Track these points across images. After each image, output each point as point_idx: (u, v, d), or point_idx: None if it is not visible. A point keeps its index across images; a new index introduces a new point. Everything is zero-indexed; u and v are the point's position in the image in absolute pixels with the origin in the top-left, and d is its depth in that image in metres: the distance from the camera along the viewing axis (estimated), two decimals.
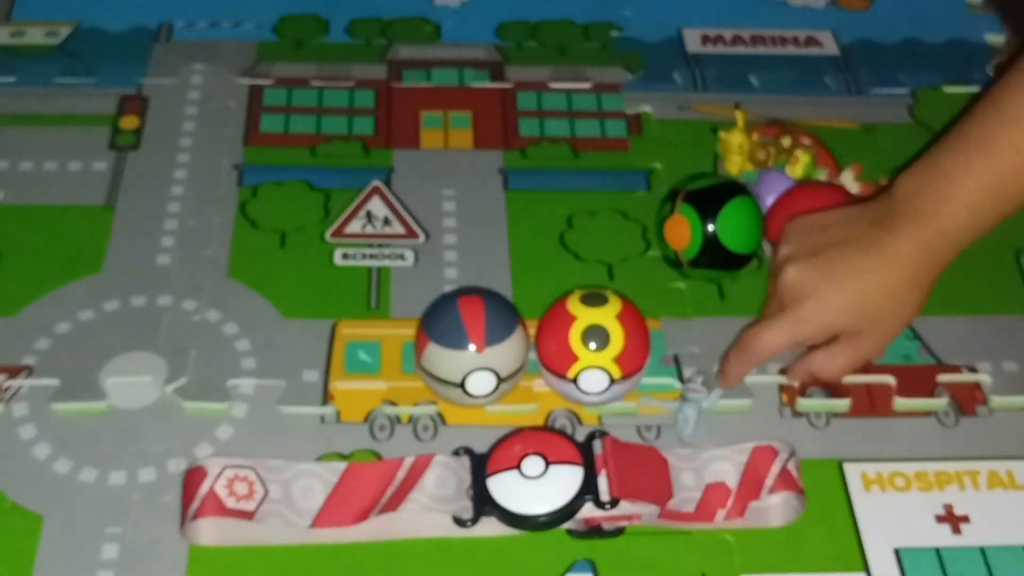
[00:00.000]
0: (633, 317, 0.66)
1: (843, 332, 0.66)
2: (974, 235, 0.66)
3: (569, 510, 0.61)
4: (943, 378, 0.70)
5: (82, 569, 0.59)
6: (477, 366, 0.64)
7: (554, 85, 0.88)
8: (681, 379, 0.69)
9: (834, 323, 0.66)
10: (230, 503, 0.61)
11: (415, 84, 0.88)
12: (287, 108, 0.86)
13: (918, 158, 0.67)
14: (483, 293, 0.67)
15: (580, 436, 0.65)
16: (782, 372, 0.69)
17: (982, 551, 0.62)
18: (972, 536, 0.62)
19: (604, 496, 0.61)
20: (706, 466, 0.64)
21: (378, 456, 0.65)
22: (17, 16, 0.93)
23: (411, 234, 0.77)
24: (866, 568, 0.61)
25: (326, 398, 0.67)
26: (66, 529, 0.61)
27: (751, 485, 0.63)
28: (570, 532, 0.62)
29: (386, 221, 0.78)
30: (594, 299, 0.66)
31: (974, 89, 0.89)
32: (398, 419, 0.67)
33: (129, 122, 0.84)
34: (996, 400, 0.69)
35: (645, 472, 0.62)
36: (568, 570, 0.60)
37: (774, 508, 0.63)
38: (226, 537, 0.60)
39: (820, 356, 0.67)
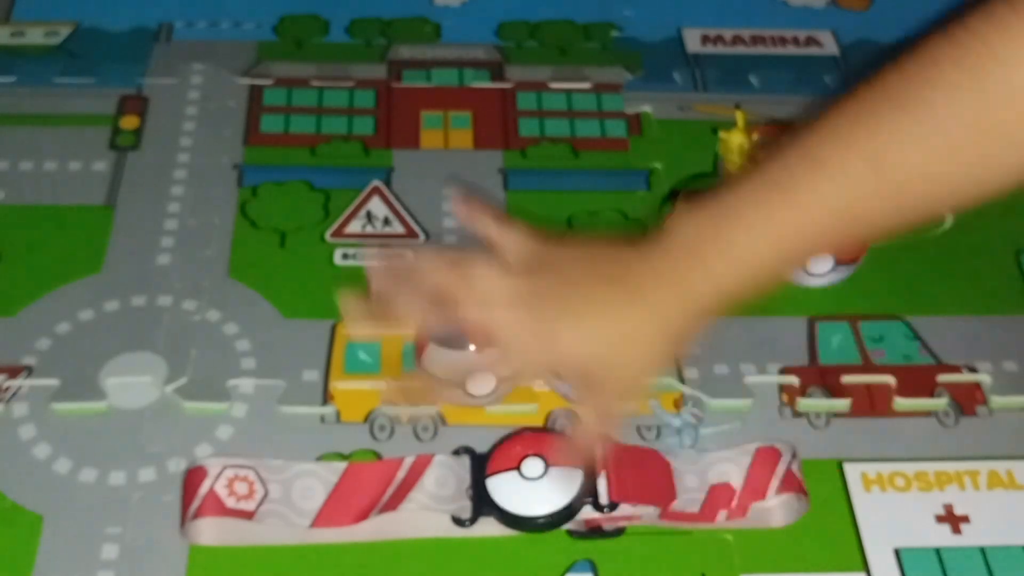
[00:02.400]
0: None
1: (578, 359, 0.58)
2: (747, 288, 0.58)
3: (568, 512, 0.61)
4: (943, 378, 0.70)
5: (82, 569, 0.59)
6: (477, 366, 0.64)
7: (554, 85, 0.88)
8: (681, 379, 0.69)
9: (562, 341, 0.58)
10: (230, 503, 0.61)
11: (415, 84, 0.88)
12: (287, 108, 0.86)
13: (703, 196, 0.59)
14: None
15: None
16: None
17: (982, 551, 0.62)
18: (972, 536, 0.62)
19: (603, 499, 0.61)
20: (710, 467, 0.64)
21: (378, 456, 0.65)
22: (17, 16, 0.93)
23: (411, 234, 0.77)
24: (866, 568, 0.61)
25: (326, 398, 0.67)
26: (66, 529, 0.61)
27: (756, 486, 0.62)
28: (570, 532, 0.62)
29: (386, 221, 0.78)
30: None
31: None
32: (398, 419, 0.67)
33: (129, 122, 0.84)
34: (996, 400, 0.69)
35: (646, 474, 0.62)
36: (568, 570, 0.60)
37: (776, 508, 0.63)
38: (226, 537, 0.60)
39: (585, 412, 0.62)
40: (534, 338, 0.58)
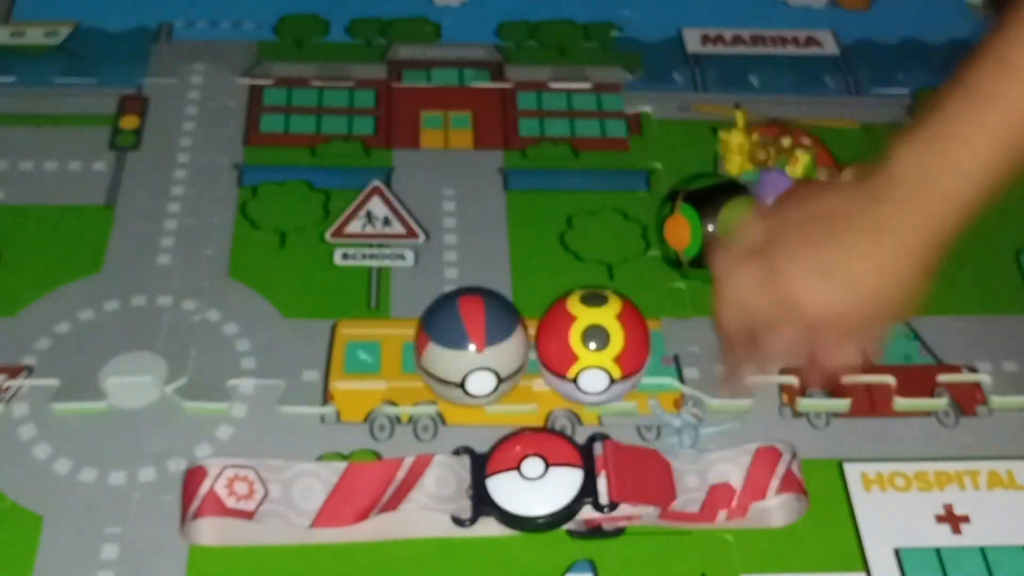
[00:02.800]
0: (633, 317, 0.66)
1: (827, 315, 0.62)
2: (983, 200, 0.60)
3: (568, 512, 0.61)
4: (943, 378, 0.70)
5: (82, 569, 0.59)
6: (477, 366, 0.64)
7: (554, 85, 0.88)
8: (681, 379, 0.69)
9: (810, 301, 0.61)
10: (230, 503, 0.61)
11: (415, 84, 0.88)
12: (287, 108, 0.86)
13: (907, 127, 0.62)
14: (483, 293, 0.67)
15: (580, 436, 0.65)
16: (783, 373, 0.69)
17: (982, 551, 0.62)
18: (972, 536, 0.62)
19: (603, 499, 0.61)
20: (710, 467, 0.63)
21: (378, 456, 0.65)
22: (17, 16, 0.93)
23: (411, 234, 0.77)
24: (866, 568, 0.61)
25: (326, 398, 0.67)
26: (66, 529, 0.61)
27: (756, 486, 0.62)
28: (570, 532, 0.62)
29: (386, 221, 0.78)
30: (594, 299, 0.66)
31: None
32: (398, 419, 0.67)
33: (129, 122, 0.84)
34: (996, 400, 0.69)
35: (646, 475, 0.62)
36: (568, 570, 0.60)
37: (776, 508, 0.63)
38: (226, 537, 0.60)
39: (819, 350, 0.64)
40: (793, 307, 0.61)
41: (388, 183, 0.80)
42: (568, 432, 0.66)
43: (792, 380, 0.69)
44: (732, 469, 0.63)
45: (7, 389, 0.67)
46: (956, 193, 0.60)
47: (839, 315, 0.62)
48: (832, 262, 0.61)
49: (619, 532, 0.62)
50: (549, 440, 0.63)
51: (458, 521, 0.61)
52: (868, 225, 0.61)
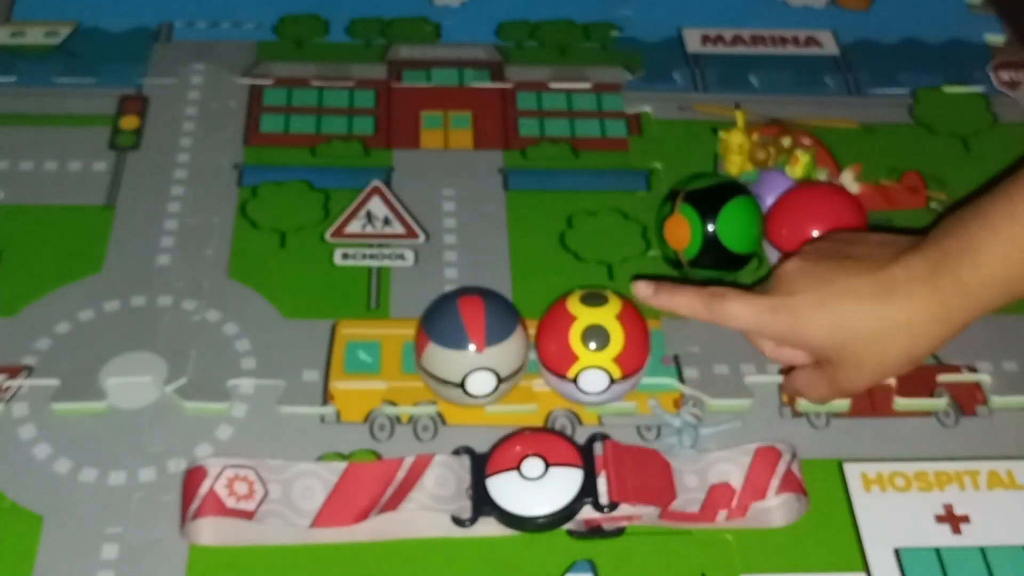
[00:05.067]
0: (633, 317, 0.66)
1: (819, 354, 0.64)
2: (998, 295, 0.60)
3: (568, 512, 0.61)
4: (943, 378, 0.70)
5: (82, 569, 0.59)
6: (477, 366, 0.64)
7: (554, 85, 0.88)
8: (681, 379, 0.69)
9: (807, 336, 0.63)
10: (230, 503, 0.61)
11: (415, 84, 0.88)
12: (287, 108, 0.86)
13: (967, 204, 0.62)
14: (483, 293, 0.67)
15: (580, 436, 0.65)
16: (781, 373, 0.69)
17: (982, 551, 0.62)
18: (972, 536, 0.62)
19: (603, 499, 0.61)
20: (710, 467, 0.63)
21: (378, 456, 0.65)
22: (17, 16, 0.93)
23: (411, 234, 0.77)
24: (866, 568, 0.61)
25: (326, 398, 0.67)
26: (66, 529, 0.61)
27: (755, 486, 0.62)
28: (570, 532, 0.62)
29: (386, 221, 0.78)
30: (594, 299, 0.66)
31: (974, 89, 0.89)
32: (398, 419, 0.67)
33: (129, 122, 0.84)
34: (996, 400, 0.69)
35: (646, 475, 0.62)
36: (568, 570, 0.60)
37: (776, 509, 0.63)
38: (226, 537, 0.60)
39: (802, 376, 0.66)
40: (781, 313, 0.62)
41: (388, 183, 0.80)
42: (568, 432, 0.66)
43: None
44: (732, 469, 0.63)
45: (7, 389, 0.67)
46: (969, 279, 0.59)
47: (829, 346, 0.63)
48: (836, 295, 0.62)
49: (619, 532, 0.62)
50: (549, 440, 0.63)
51: (458, 521, 0.61)
52: (883, 277, 0.61)
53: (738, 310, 0.64)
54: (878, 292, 0.61)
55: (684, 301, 0.65)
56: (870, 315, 0.61)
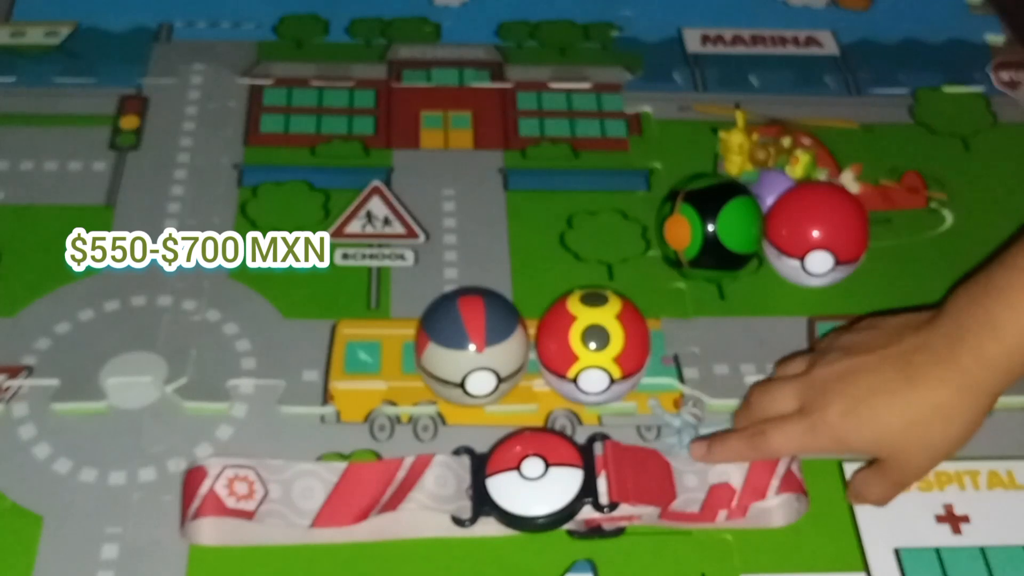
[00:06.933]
0: (633, 317, 0.66)
1: (870, 455, 0.63)
2: (1021, 363, 0.59)
3: (568, 512, 0.61)
4: None
5: (82, 569, 0.59)
6: (477, 366, 0.64)
7: (554, 85, 0.88)
8: (681, 379, 0.69)
9: (852, 443, 0.61)
10: (230, 503, 0.61)
11: (415, 84, 0.88)
12: (287, 108, 0.86)
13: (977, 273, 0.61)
14: (483, 293, 0.67)
15: (580, 436, 0.65)
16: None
17: (982, 551, 0.62)
18: (972, 536, 0.62)
19: (603, 499, 0.61)
20: (710, 467, 0.63)
21: (378, 456, 0.65)
22: (17, 16, 0.93)
23: (411, 234, 0.77)
24: (866, 568, 0.61)
25: (326, 398, 0.67)
26: (66, 529, 0.61)
27: (756, 486, 0.62)
28: (570, 533, 0.62)
29: (386, 221, 0.78)
30: (594, 299, 0.66)
31: (974, 89, 0.89)
32: (398, 419, 0.67)
33: (129, 122, 0.84)
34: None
35: (646, 475, 0.62)
36: (568, 570, 0.60)
37: (776, 509, 0.63)
38: (226, 537, 0.60)
39: (860, 478, 0.64)
40: (820, 431, 0.61)
41: (388, 183, 0.80)
42: (568, 432, 0.66)
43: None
44: (732, 469, 0.63)
45: (7, 389, 0.67)
46: (993, 355, 0.59)
47: (875, 445, 0.62)
48: (866, 395, 0.61)
49: (619, 532, 0.62)
50: (549, 440, 0.63)
51: (458, 521, 0.61)
52: (907, 365, 0.61)
53: (781, 442, 0.63)
54: (904, 383, 0.60)
55: (732, 449, 0.64)
56: (902, 407, 0.60)
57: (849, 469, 0.65)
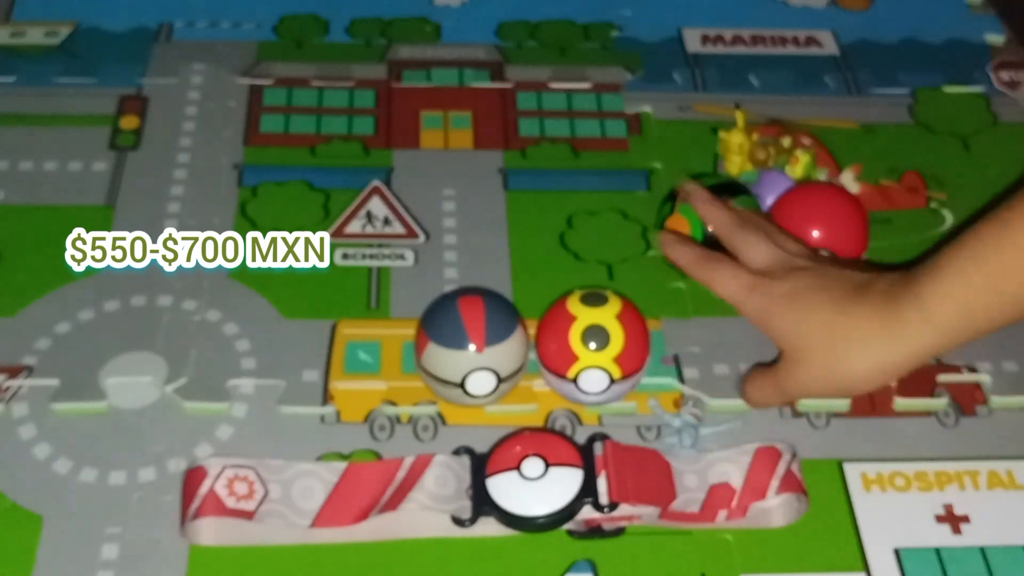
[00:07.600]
0: (633, 317, 0.66)
1: (778, 344, 0.65)
2: (955, 316, 0.60)
3: (568, 512, 0.61)
4: (943, 378, 0.70)
5: (82, 569, 0.59)
6: (477, 366, 0.64)
7: (554, 85, 0.88)
8: (681, 379, 0.69)
9: (774, 321, 0.64)
10: (230, 503, 0.61)
11: (415, 84, 0.88)
12: (287, 108, 0.86)
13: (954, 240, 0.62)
14: (483, 293, 0.67)
15: (580, 436, 0.65)
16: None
17: (982, 551, 0.62)
18: (972, 536, 0.62)
19: (603, 499, 0.61)
20: (709, 468, 0.63)
21: (378, 456, 0.65)
22: (17, 16, 0.93)
23: (411, 234, 0.77)
24: (866, 568, 0.61)
25: (326, 398, 0.67)
26: (66, 529, 0.61)
27: (755, 486, 0.62)
28: (570, 532, 0.62)
29: (386, 221, 0.78)
30: (594, 299, 0.66)
31: (974, 89, 0.89)
32: (398, 419, 0.67)
33: (129, 122, 0.84)
34: (996, 400, 0.69)
35: (646, 475, 0.62)
36: (568, 570, 0.60)
37: (776, 509, 0.63)
38: (226, 537, 0.60)
39: (751, 375, 0.67)
40: (757, 293, 0.65)
41: (388, 183, 0.80)
42: (568, 432, 0.66)
43: None
44: (732, 469, 0.63)
45: (7, 389, 0.67)
46: (932, 304, 0.60)
47: (794, 340, 0.64)
48: (807, 292, 0.64)
49: (619, 532, 0.62)
50: (549, 440, 0.63)
51: (458, 521, 0.61)
52: (843, 283, 0.64)
53: (724, 281, 0.67)
54: (844, 295, 0.63)
55: (684, 256, 0.69)
56: (833, 314, 0.62)
57: (849, 469, 0.65)
